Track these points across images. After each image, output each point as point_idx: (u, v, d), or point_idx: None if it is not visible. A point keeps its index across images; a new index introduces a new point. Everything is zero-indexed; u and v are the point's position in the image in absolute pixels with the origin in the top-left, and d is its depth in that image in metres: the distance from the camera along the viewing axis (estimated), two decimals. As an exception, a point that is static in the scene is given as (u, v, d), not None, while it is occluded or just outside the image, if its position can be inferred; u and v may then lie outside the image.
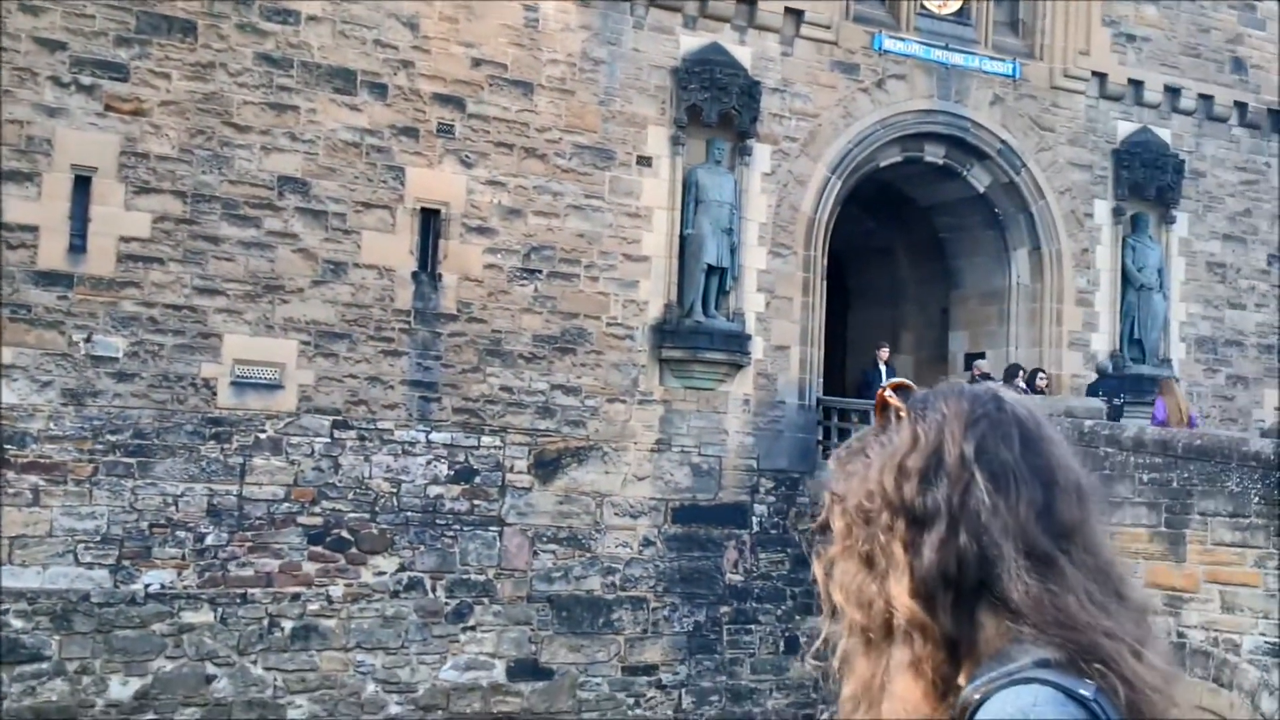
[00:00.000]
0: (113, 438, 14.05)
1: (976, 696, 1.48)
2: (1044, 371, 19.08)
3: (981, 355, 19.93)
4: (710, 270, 17.20)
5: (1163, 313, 20.74)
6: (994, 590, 1.53)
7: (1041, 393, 17.98)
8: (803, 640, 17.26)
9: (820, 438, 18.03)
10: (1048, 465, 1.60)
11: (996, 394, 1.67)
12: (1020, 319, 20.17)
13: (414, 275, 15.62)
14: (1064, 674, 1.47)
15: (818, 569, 1.69)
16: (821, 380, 18.32)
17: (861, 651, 1.63)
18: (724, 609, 16.80)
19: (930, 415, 1.63)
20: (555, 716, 15.60)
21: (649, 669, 16.20)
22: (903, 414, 1.65)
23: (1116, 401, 18.73)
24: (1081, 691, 1.45)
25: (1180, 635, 13.89)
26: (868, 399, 18.44)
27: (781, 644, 17.12)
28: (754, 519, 17.23)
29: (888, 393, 1.70)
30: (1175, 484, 14.17)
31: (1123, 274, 20.49)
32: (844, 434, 17.94)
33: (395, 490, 15.32)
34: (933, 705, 1.55)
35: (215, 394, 14.59)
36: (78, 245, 14.00)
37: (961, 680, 1.54)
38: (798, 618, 17.25)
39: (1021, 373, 18.49)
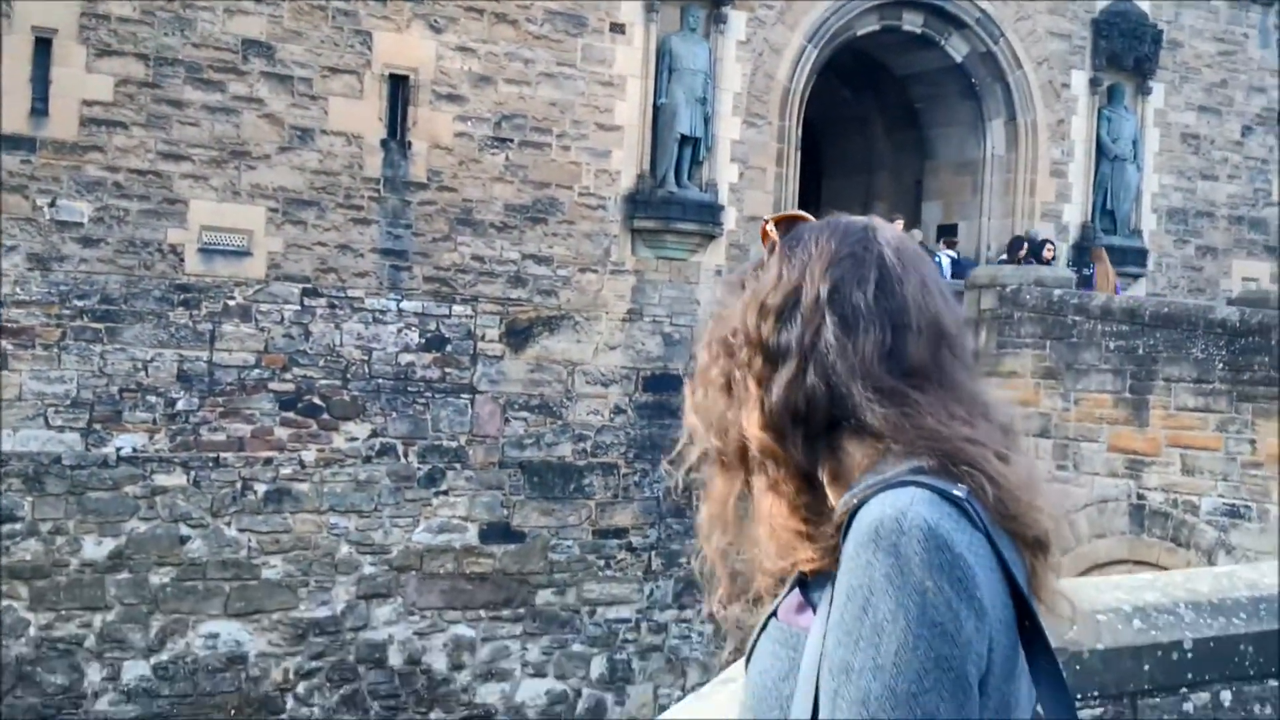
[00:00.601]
0: (80, 303, 14.03)
1: (855, 502, 1.53)
2: (1051, 242, 19.10)
3: (953, 228, 19.95)
4: (683, 140, 17.09)
5: (1135, 184, 20.75)
6: (853, 420, 1.58)
7: (1048, 263, 18.00)
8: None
9: (791, 307, 18.06)
10: (901, 307, 1.62)
11: (868, 231, 1.69)
12: (994, 190, 20.15)
13: (383, 143, 15.48)
14: (936, 478, 1.52)
15: (686, 392, 1.76)
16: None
17: (718, 475, 1.72)
18: (694, 475, 16.95)
19: (798, 254, 1.66)
20: (527, 577, 15.88)
21: (619, 532, 16.46)
22: (776, 250, 1.70)
23: (1086, 271, 18.83)
24: (954, 492, 1.50)
25: (1140, 497, 14.17)
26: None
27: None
28: (724, 387, 17.33)
29: (769, 226, 1.75)
30: (1141, 351, 14.33)
31: (1097, 145, 20.45)
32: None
33: (366, 358, 15.38)
34: (800, 519, 1.62)
35: (183, 260, 14.55)
36: (39, 109, 13.82)
37: (832, 502, 1.60)
38: (767, 484, 17.48)
39: (1026, 245, 18.51)
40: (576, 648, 15.99)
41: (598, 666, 16.11)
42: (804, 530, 1.61)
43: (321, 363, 15.15)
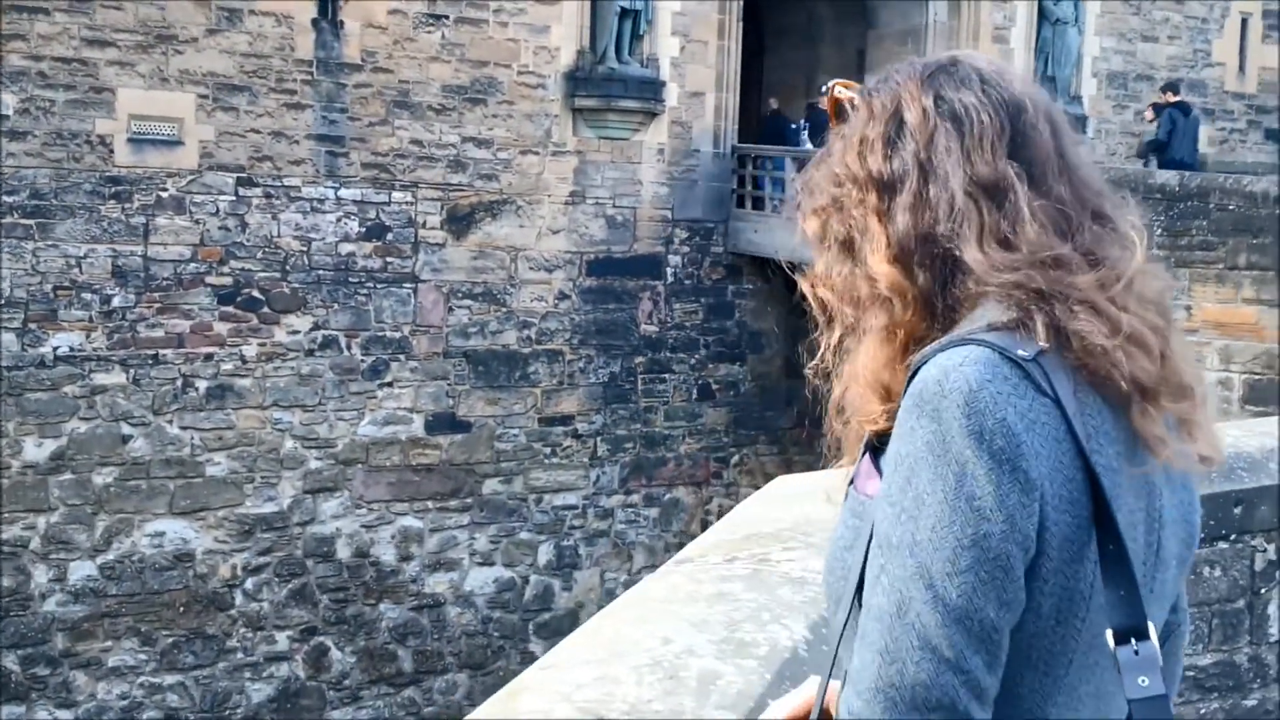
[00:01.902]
0: (9, 199, 13.51)
1: (918, 361, 1.43)
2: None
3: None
4: (624, 13, 16.59)
5: (1076, 48, 20.56)
6: (961, 255, 1.49)
7: None
8: (714, 387, 17.61)
9: (735, 186, 17.89)
10: (1013, 98, 1.54)
11: (951, 54, 1.62)
12: (937, 60, 19.85)
13: (314, 22, 14.87)
14: (1008, 335, 1.42)
15: (804, 285, 1.66)
16: (737, 127, 18.03)
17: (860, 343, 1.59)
18: (639, 359, 16.99)
19: (886, 87, 1.59)
20: (474, 466, 15.90)
21: (565, 419, 16.47)
22: (855, 102, 1.61)
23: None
24: (1019, 351, 1.39)
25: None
26: (783, 143, 18.27)
27: (695, 391, 17.45)
28: (668, 270, 17.25)
29: (838, 89, 1.66)
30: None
31: (1039, 9, 20.17)
32: (759, 182, 17.84)
33: (305, 249, 15.03)
34: (891, 371, 1.53)
35: (112, 151, 14.01)
36: (-48, -5, 13.08)
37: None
38: (710, 365, 17.55)
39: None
40: (524, 535, 16.13)
41: (545, 553, 16.28)
42: (885, 385, 1.52)
43: (259, 255, 14.79)
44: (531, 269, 16.32)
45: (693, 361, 17.42)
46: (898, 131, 1.54)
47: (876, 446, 1.51)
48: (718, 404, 17.60)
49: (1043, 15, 20.27)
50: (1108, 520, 1.38)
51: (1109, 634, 1.39)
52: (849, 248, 1.56)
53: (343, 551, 15.14)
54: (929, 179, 1.51)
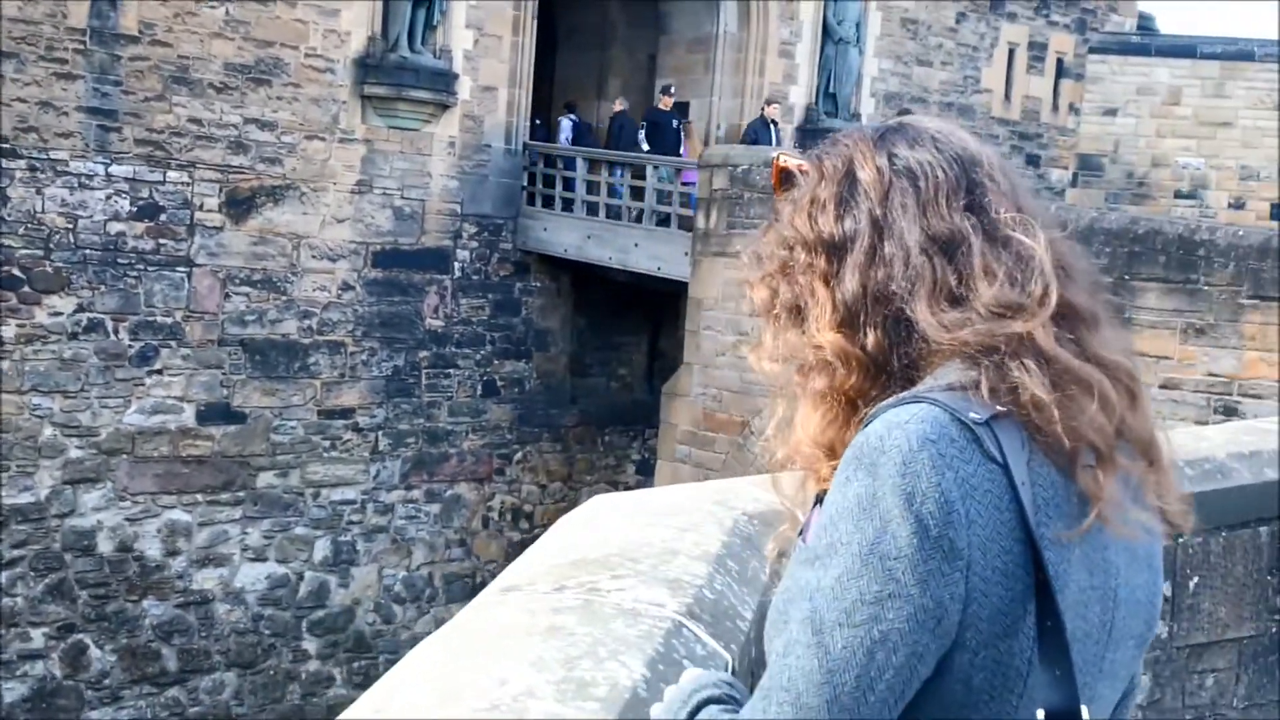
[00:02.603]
0: None
1: (871, 415, 1.39)
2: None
3: (685, 107, 19.93)
4: (417, 2, 16.33)
5: (857, 67, 21.23)
6: (914, 315, 1.44)
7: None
8: (499, 384, 17.46)
9: (526, 183, 17.81)
10: (966, 152, 1.52)
11: (899, 118, 1.61)
12: (725, 68, 20.22)
13: (89, -11, 14.15)
14: (963, 396, 1.36)
15: (751, 359, 1.60)
16: (529, 125, 17.96)
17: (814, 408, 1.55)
18: (423, 354, 16.72)
19: (833, 150, 1.56)
20: (249, 459, 15.34)
21: (346, 412, 16.07)
22: (804, 168, 1.58)
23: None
24: (971, 415, 1.34)
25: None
26: (579, 145, 18.27)
27: (479, 387, 17.27)
28: (456, 264, 17.03)
29: (782, 158, 1.63)
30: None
31: (823, 27, 20.76)
32: (549, 180, 17.79)
33: (71, 226, 14.27)
34: (836, 430, 1.50)
35: None
36: None
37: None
38: (496, 362, 17.40)
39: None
40: (299, 530, 15.65)
41: (321, 549, 15.83)
42: (829, 444, 1.49)
43: (21, 230, 13.96)
44: (315, 257, 15.88)
45: (478, 357, 17.25)
46: (850, 191, 1.51)
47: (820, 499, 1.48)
48: (502, 400, 17.46)
49: (826, 34, 20.89)
50: (1047, 596, 1.32)
51: (1040, 714, 1.34)
52: (796, 314, 1.53)
53: (104, 545, 14.39)
54: (884, 236, 1.47)
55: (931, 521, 1.28)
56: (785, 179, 1.61)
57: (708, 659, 1.93)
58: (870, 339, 1.46)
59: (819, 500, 1.47)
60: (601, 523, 2.75)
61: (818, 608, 1.29)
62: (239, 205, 15.32)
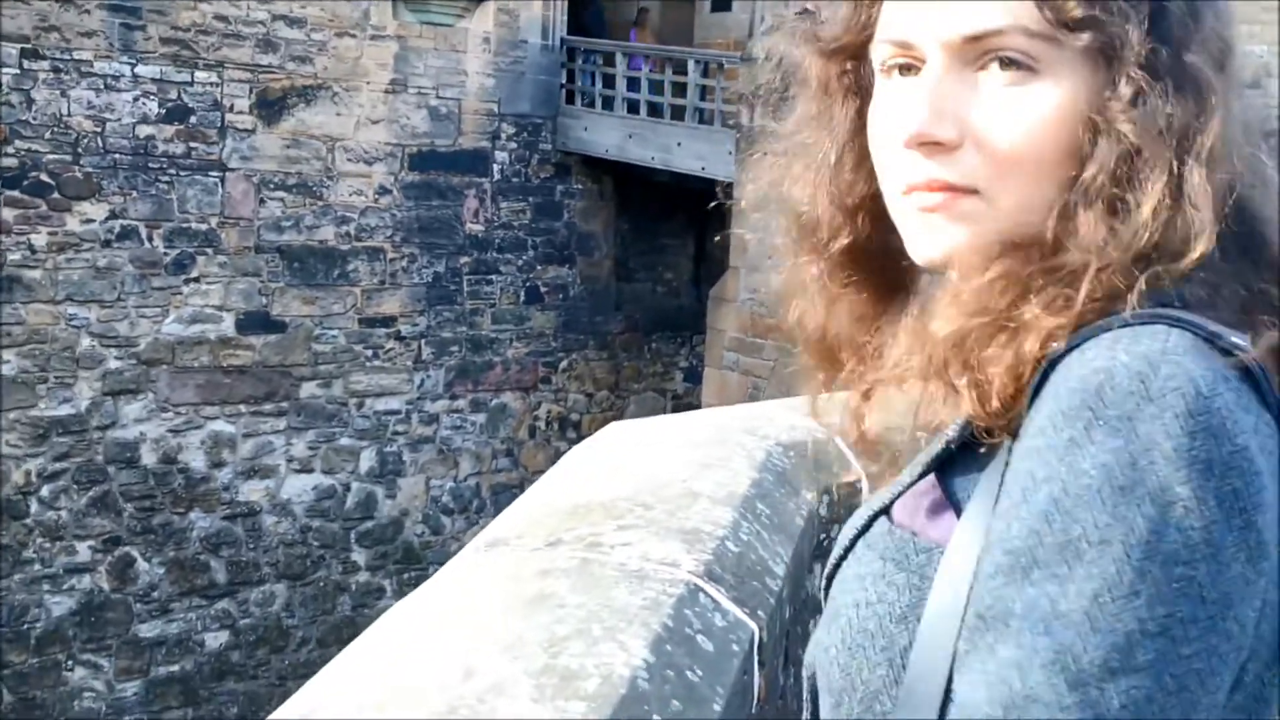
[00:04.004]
0: None
1: (1061, 346, 0.90)
2: None
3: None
4: (447, -109, 15.70)
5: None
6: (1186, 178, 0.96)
7: None
8: (543, 290, 16.99)
9: (564, 81, 17.21)
10: None
11: None
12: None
13: (108, -119, 13.58)
14: (1205, 312, 0.91)
15: None
16: (566, 19, 17.32)
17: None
18: (464, 259, 16.22)
19: None
20: (290, 369, 14.93)
21: (387, 320, 15.62)
22: None
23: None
24: (1234, 339, 0.88)
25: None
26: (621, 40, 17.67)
27: (522, 294, 16.79)
28: (495, 166, 16.49)
29: None
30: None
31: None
32: (590, 77, 17.19)
33: (100, 130, 13.78)
34: (987, 347, 0.96)
35: (-126, 13, 12.54)
36: None
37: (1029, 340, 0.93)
38: (539, 268, 16.91)
39: None
40: (344, 441, 15.26)
41: (367, 460, 15.44)
42: (974, 369, 0.94)
43: (48, 135, 13.49)
44: (350, 161, 15.36)
45: (520, 263, 16.75)
46: None
47: (948, 461, 1.00)
48: (546, 307, 16.97)
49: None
50: None
51: None
52: None
53: (148, 458, 14.03)
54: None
55: (1240, 506, 0.82)
56: None
57: (729, 631, 1.59)
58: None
59: (937, 464, 0.99)
60: (613, 458, 2.33)
61: (1066, 645, 0.80)
62: (270, 106, 14.79)
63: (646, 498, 2.00)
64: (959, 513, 0.94)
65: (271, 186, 14.83)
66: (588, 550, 1.74)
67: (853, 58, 1.08)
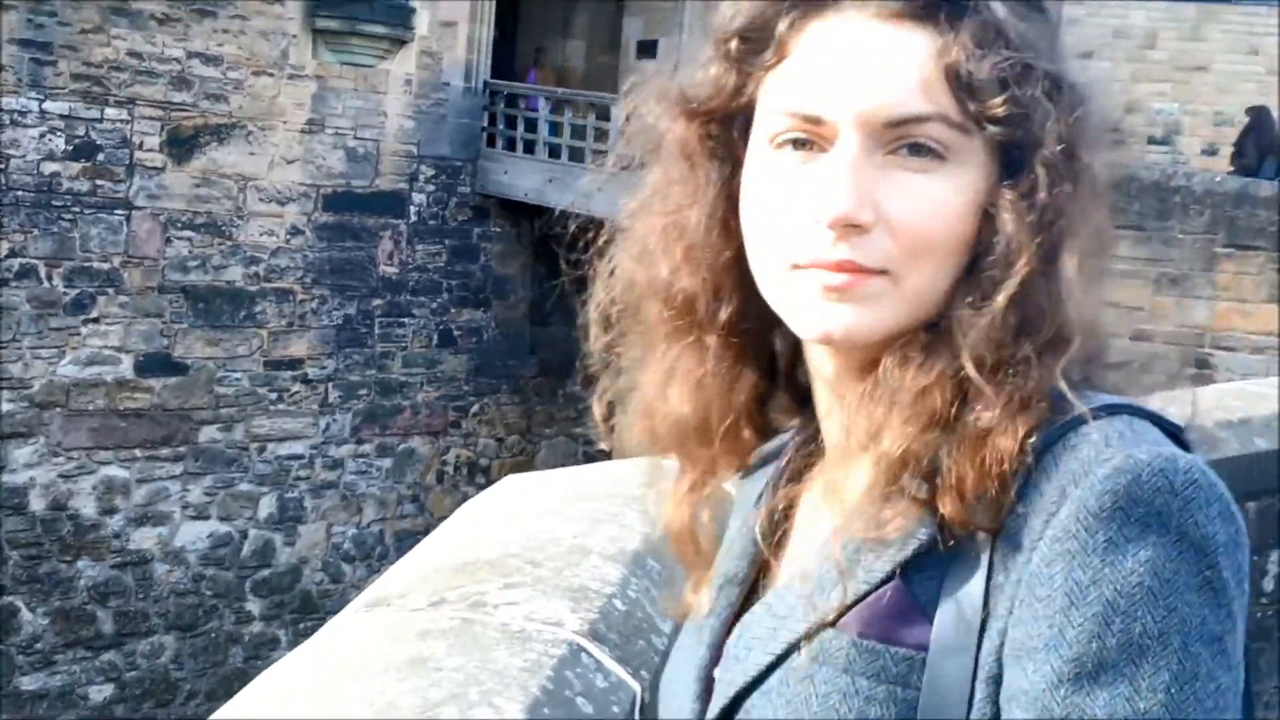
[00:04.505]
0: None
1: (1039, 438, 0.92)
2: None
3: (653, 45, 19.10)
4: (373, -69, 15.49)
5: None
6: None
7: None
8: (456, 333, 16.85)
9: (486, 124, 17.07)
10: None
11: None
12: (695, 7, 19.42)
13: (20, -89, 13.26)
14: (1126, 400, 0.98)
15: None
16: (490, 62, 17.18)
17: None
18: (376, 302, 16.06)
19: None
20: (189, 412, 14.70)
21: (294, 363, 15.42)
22: None
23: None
24: (1188, 432, 0.98)
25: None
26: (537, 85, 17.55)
27: (435, 337, 16.64)
28: (412, 208, 16.33)
29: None
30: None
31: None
32: (511, 121, 17.06)
33: (3, 166, 13.48)
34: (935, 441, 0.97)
35: None
36: None
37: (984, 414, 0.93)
38: (453, 310, 16.77)
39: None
40: (243, 487, 15.05)
41: (266, 506, 15.24)
42: (946, 476, 0.94)
43: (-53, 170, 13.17)
44: (262, 200, 15.14)
45: (434, 306, 16.60)
46: None
47: (912, 566, 0.97)
48: (459, 351, 16.84)
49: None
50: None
51: None
52: None
53: (36, 503, 13.74)
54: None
55: (1243, 573, 0.93)
56: None
57: (610, 692, 1.58)
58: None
59: (900, 569, 0.96)
60: (505, 512, 2.30)
61: None
62: (181, 145, 14.54)
63: (536, 554, 1.97)
64: (927, 616, 0.94)
65: (179, 225, 14.58)
66: (471, 610, 1.72)
67: (719, 122, 1.05)
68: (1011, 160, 0.96)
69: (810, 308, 0.97)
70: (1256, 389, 4.54)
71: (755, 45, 1.01)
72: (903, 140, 0.94)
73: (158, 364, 14.44)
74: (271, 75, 15.08)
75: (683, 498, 1.14)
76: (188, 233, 14.63)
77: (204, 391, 14.78)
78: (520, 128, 16.94)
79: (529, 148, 16.82)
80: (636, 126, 1.12)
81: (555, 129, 16.71)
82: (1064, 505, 0.89)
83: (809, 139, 0.97)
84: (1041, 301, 0.94)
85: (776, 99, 0.99)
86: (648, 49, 19.01)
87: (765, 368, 1.12)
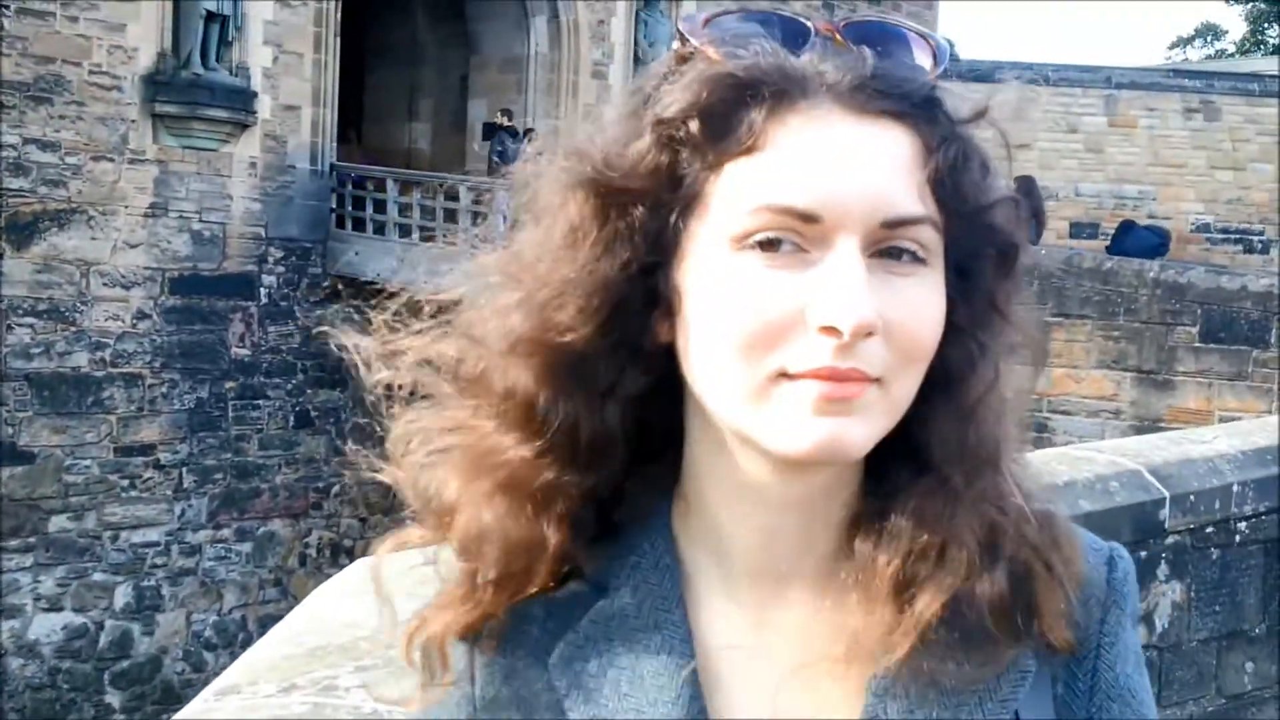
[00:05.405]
0: None
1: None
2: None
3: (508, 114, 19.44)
4: (210, 17, 15.62)
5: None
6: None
7: None
8: (313, 414, 16.70)
9: (334, 205, 17.14)
10: None
11: None
12: (539, 89, 19.90)
13: None
14: None
15: None
16: (336, 145, 17.32)
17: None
18: (229, 384, 15.85)
19: None
20: (39, 502, 14.27)
21: (145, 449, 15.10)
22: None
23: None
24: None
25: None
26: (392, 167, 17.71)
27: (291, 419, 16.46)
28: (262, 290, 16.24)
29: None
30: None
31: (634, 50, 20.64)
32: (359, 202, 17.16)
33: None
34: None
35: None
36: None
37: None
38: (309, 391, 16.63)
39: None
40: (97, 576, 14.59)
41: (122, 595, 14.78)
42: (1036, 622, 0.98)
43: None
44: (106, 285, 14.94)
45: (289, 387, 16.44)
46: None
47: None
48: (317, 431, 16.66)
49: (638, 57, 20.76)
50: None
51: None
52: None
53: (-125, 602, 13.18)
54: None
55: None
56: None
57: None
58: None
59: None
60: (356, 595, 2.27)
61: None
62: (20, 231, 14.33)
63: (391, 637, 1.95)
64: None
65: (20, 313, 14.30)
66: (321, 694, 1.69)
67: (645, 207, 0.91)
68: (959, 260, 0.93)
69: (798, 421, 0.87)
70: (1079, 453, 4.60)
71: (713, 131, 0.88)
72: (889, 242, 0.88)
73: (3, 453, 14.04)
74: (112, 160, 14.99)
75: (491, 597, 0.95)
76: (30, 319, 14.35)
77: (52, 480, 14.38)
78: (369, 209, 17.05)
79: (379, 229, 16.92)
80: (532, 171, 0.96)
81: (404, 210, 16.87)
82: (1109, 611, 0.99)
83: (782, 239, 0.87)
84: (998, 404, 0.95)
85: (750, 193, 0.87)
86: (490, 134, 19.37)
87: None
